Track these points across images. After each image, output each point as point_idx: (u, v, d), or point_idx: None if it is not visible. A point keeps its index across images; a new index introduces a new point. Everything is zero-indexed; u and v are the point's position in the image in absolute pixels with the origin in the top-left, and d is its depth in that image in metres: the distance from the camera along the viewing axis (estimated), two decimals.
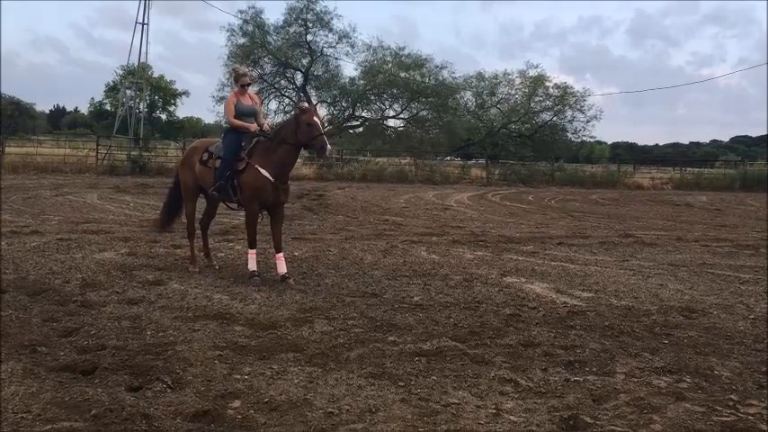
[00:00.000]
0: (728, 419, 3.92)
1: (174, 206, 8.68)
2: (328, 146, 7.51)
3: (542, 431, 3.69)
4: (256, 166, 7.47)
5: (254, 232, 7.70)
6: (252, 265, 7.57)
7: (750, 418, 3.98)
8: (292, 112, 8.48)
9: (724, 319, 6.48)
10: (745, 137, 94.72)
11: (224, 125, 7.99)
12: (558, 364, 4.89)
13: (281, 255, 7.65)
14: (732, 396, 4.35)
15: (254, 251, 7.67)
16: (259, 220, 7.76)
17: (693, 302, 7.13)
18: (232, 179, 7.59)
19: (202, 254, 8.45)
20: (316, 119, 7.50)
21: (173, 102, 62.27)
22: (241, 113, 7.78)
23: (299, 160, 33.04)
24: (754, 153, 68.88)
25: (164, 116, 63.19)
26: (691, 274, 8.93)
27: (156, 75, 57.44)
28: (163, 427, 3.56)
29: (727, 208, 22.67)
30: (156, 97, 60.04)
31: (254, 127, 7.71)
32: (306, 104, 7.87)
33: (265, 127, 7.98)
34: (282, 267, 7.55)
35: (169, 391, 4.10)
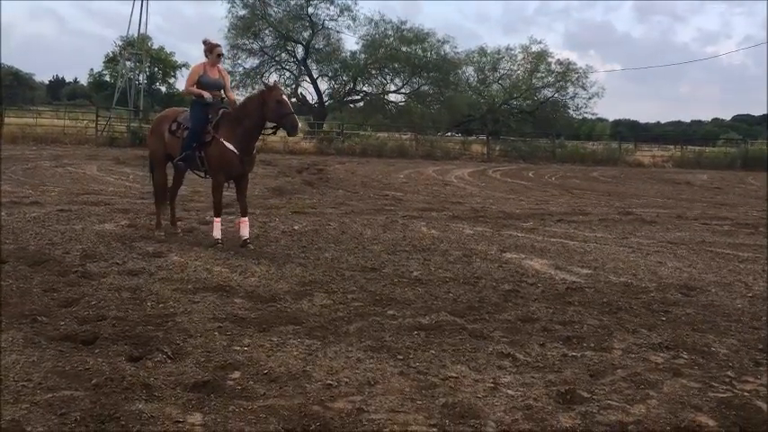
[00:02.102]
0: (724, 396, 3.95)
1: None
2: (299, 124, 7.68)
3: (539, 405, 3.72)
4: (221, 139, 7.64)
5: (219, 201, 7.93)
6: (217, 233, 7.81)
7: (746, 394, 4.02)
8: (258, 88, 8.58)
9: (722, 296, 6.50)
10: (747, 115, 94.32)
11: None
12: (556, 339, 4.92)
13: (246, 219, 7.92)
14: (728, 373, 4.38)
15: (219, 219, 7.90)
16: (225, 189, 8.01)
17: (692, 280, 7.15)
18: (199, 150, 7.78)
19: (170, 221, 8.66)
20: (284, 96, 7.61)
21: (172, 74, 61.81)
22: (206, 85, 7.87)
23: (300, 134, 32.70)
24: (756, 132, 68.61)
25: (163, 88, 62.79)
26: (690, 251, 8.95)
27: (155, 46, 56.98)
28: (163, 397, 3.59)
29: (728, 186, 22.66)
30: (156, 69, 59.60)
31: (207, 95, 7.78)
32: (273, 81, 8.05)
33: (233, 99, 8.16)
34: (245, 231, 7.82)
35: (169, 361, 4.13)
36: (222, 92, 8.08)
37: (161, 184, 8.44)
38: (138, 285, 5.86)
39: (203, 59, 8.11)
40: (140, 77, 42.01)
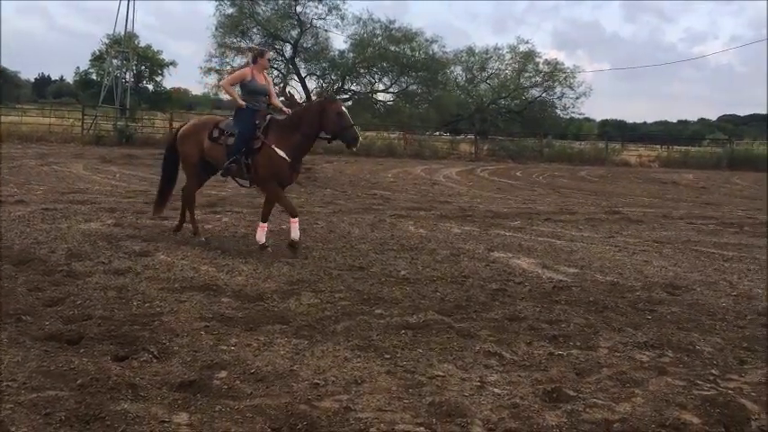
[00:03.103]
0: (709, 393, 3.99)
1: (169, 185, 8.61)
2: (360, 137, 7.60)
3: (526, 403, 3.74)
4: (273, 146, 7.45)
5: (269, 210, 7.89)
6: (261, 238, 7.67)
7: (730, 392, 4.05)
8: (316, 99, 8.45)
9: (707, 295, 6.56)
10: (733, 115, 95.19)
11: (223, 97, 8.07)
12: (542, 338, 4.94)
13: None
14: (713, 371, 4.42)
15: (266, 225, 7.81)
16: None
17: (677, 279, 7.20)
18: (246, 157, 7.58)
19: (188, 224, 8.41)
20: (344, 108, 7.57)
21: (160, 72, 61.50)
22: (254, 91, 7.75)
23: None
24: (742, 132, 69.21)
25: (150, 86, 62.42)
26: (675, 251, 9.01)
27: (142, 44, 56.65)
28: (149, 397, 3.57)
29: (713, 186, 22.82)
30: (143, 67, 59.26)
31: (241, 104, 7.68)
32: (331, 93, 7.96)
33: (279, 106, 8.02)
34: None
35: (155, 361, 4.11)
36: (267, 98, 7.97)
37: (192, 190, 8.29)
38: (125, 284, 5.83)
39: (250, 65, 8.01)
40: (127, 76, 41.73)
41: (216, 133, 7.87)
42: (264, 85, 7.89)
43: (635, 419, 3.59)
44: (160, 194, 8.63)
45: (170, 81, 73.84)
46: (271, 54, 8.35)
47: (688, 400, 3.88)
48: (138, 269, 6.42)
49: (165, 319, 4.94)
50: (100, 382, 3.67)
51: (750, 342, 5.09)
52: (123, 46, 39.82)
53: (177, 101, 63.18)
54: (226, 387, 3.77)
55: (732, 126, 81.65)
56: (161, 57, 60.69)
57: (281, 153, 7.44)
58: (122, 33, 39.21)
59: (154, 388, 3.70)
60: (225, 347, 4.41)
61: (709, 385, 4.15)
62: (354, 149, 7.84)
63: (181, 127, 8.59)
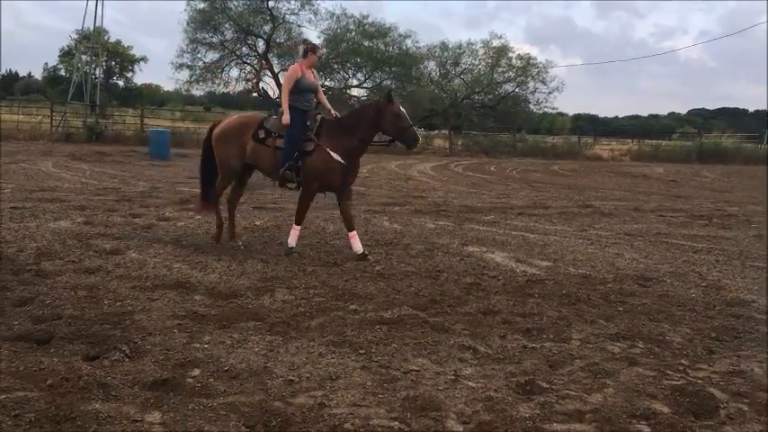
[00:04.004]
0: (678, 383, 4.05)
1: (209, 188, 7.98)
2: (419, 138, 7.31)
3: (499, 396, 3.77)
4: (327, 148, 7.14)
5: (305, 211, 7.55)
6: (292, 241, 7.40)
7: (699, 381, 4.12)
8: (373, 99, 7.95)
9: (677, 286, 6.66)
10: (703, 109, 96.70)
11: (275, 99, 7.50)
12: (516, 331, 4.98)
13: (355, 233, 7.43)
14: (683, 361, 4.49)
15: (299, 228, 7.53)
16: (315, 202, 7.67)
17: (648, 271, 7.31)
18: (296, 160, 7.20)
19: (221, 226, 7.97)
20: (402, 109, 7.31)
21: (130, 68, 60.79)
22: (305, 89, 7.33)
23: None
24: (711, 125, 70.31)
25: (121, 83, 61.68)
26: (646, 243, 9.14)
27: (112, 40, 55.88)
28: (120, 396, 3.53)
29: (683, 179, 23.17)
30: (113, 63, 58.51)
31: (286, 119, 7.12)
32: (389, 92, 7.55)
33: (327, 105, 7.73)
34: (358, 245, 7.36)
35: (127, 360, 4.07)
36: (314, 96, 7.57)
37: (223, 190, 7.88)
38: (95, 283, 5.75)
39: (299, 61, 7.50)
40: (97, 72, 41.15)
41: (262, 134, 7.38)
42: (314, 82, 7.50)
43: (606, 410, 3.63)
44: (202, 197, 8.07)
45: (141, 77, 73.03)
46: (323, 51, 7.88)
47: (658, 390, 3.94)
48: (108, 268, 6.34)
49: (136, 317, 4.89)
50: (70, 383, 3.62)
51: (719, 332, 5.18)
52: (92, 41, 39.24)
53: (148, 97, 62.45)
54: (199, 385, 3.74)
55: (701, 120, 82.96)
56: (131, 52, 59.99)
57: (336, 156, 7.12)
58: (91, 29, 38.64)
59: (126, 387, 3.66)
60: (198, 345, 4.38)
61: (678, 375, 4.21)
62: (414, 150, 7.65)
63: (216, 125, 7.99)
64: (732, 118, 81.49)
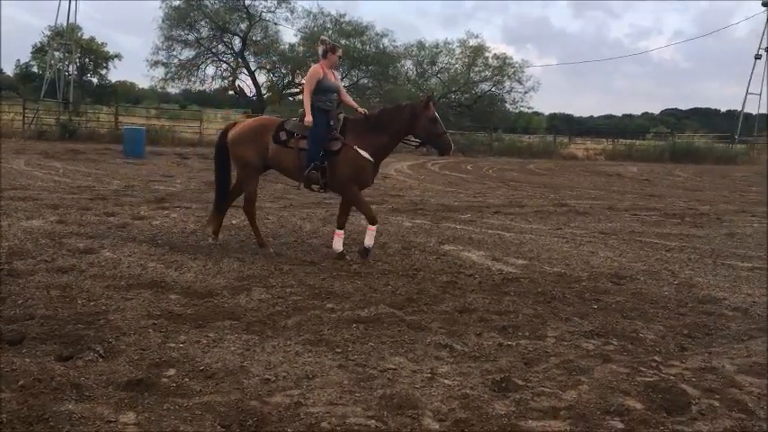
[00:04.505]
0: (651, 379, 4.11)
1: (224, 194, 7.82)
2: (453, 145, 7.29)
3: (475, 393, 3.79)
4: (355, 147, 7.04)
5: (369, 207, 7.41)
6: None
7: (671, 377, 4.18)
8: (408, 102, 7.57)
9: (650, 284, 6.75)
10: (675, 109, 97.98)
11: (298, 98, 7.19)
12: (492, 329, 5.01)
13: (342, 232, 7.44)
14: (655, 357, 4.55)
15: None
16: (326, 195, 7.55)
17: (622, 269, 7.39)
18: (321, 161, 7.07)
19: (209, 228, 7.88)
20: (437, 114, 7.18)
21: (104, 65, 59.94)
22: (327, 89, 7.21)
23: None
24: (683, 125, 71.28)
25: (95, 80, 60.82)
26: (620, 241, 9.24)
27: (86, 36, 55.12)
28: (94, 397, 3.50)
29: (656, 178, 23.46)
30: (87, 60, 57.70)
31: (309, 119, 7.01)
32: (427, 96, 7.33)
33: (353, 104, 7.55)
34: (339, 245, 7.33)
35: (101, 360, 4.02)
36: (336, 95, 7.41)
37: (254, 196, 7.62)
38: (68, 283, 5.68)
39: (320, 61, 7.33)
40: (70, 68, 40.58)
41: (283, 136, 7.22)
42: (335, 83, 7.38)
43: (581, 406, 3.68)
44: (216, 206, 7.84)
45: (115, 74, 72.12)
46: (341, 51, 7.63)
47: (632, 387, 3.99)
48: (82, 267, 6.26)
49: (110, 317, 4.84)
50: (43, 383, 3.57)
51: (691, 329, 5.26)
52: (66, 38, 38.69)
53: (123, 94, 61.72)
54: (174, 385, 3.72)
55: (674, 120, 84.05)
56: (105, 49, 59.18)
57: (365, 154, 7.05)
58: (65, 25, 38.10)
59: (99, 388, 3.62)
60: (173, 345, 4.35)
61: (651, 372, 4.27)
62: (445, 156, 7.56)
63: (229, 128, 7.78)
64: (704, 118, 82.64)
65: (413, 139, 7.39)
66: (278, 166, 7.45)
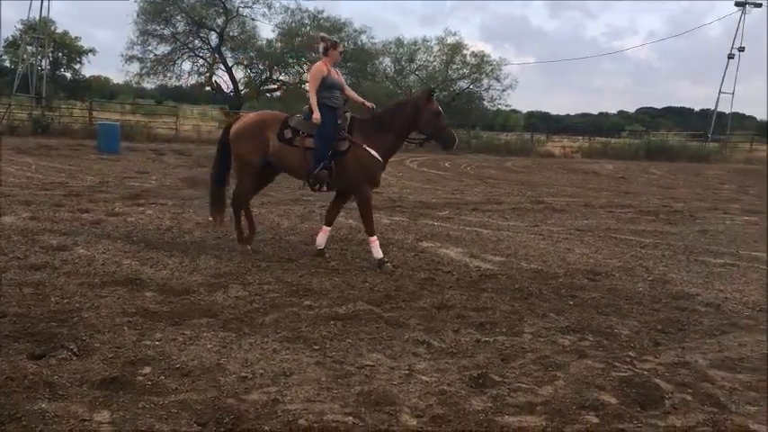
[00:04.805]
0: (626, 374, 4.16)
1: (220, 187, 7.61)
2: (457, 138, 7.18)
3: (453, 390, 3.80)
4: (364, 146, 6.90)
5: (372, 218, 7.16)
6: (378, 253, 6.95)
7: (645, 372, 4.24)
8: (409, 95, 7.33)
9: (625, 280, 6.83)
10: (651, 108, 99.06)
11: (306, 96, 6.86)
12: (469, 325, 5.03)
13: (329, 229, 7.40)
14: (630, 353, 4.60)
15: (375, 238, 7.07)
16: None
17: (597, 265, 7.47)
18: (330, 159, 6.91)
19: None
20: (440, 108, 7.10)
21: (78, 60, 59.10)
22: (332, 86, 7.01)
23: (214, 123, 31.71)
24: (658, 124, 72.08)
25: (68, 74, 59.94)
26: (596, 238, 9.33)
27: (59, 31, 54.31)
28: (68, 395, 3.45)
29: (632, 176, 23.70)
30: (60, 54, 56.86)
31: (317, 117, 6.80)
32: (429, 89, 7.10)
33: (359, 100, 7.38)
34: (322, 240, 7.30)
35: (75, 358, 3.97)
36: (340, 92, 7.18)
37: (245, 193, 7.43)
38: (42, 280, 5.60)
39: (322, 58, 7.14)
40: (43, 63, 39.97)
41: (288, 134, 7.02)
42: (339, 79, 7.18)
43: (557, 401, 3.71)
44: (213, 201, 7.65)
45: (89, 69, 71.16)
46: (342, 47, 7.36)
47: (606, 382, 4.03)
48: (55, 264, 6.18)
49: (84, 315, 4.78)
50: (15, 382, 3.52)
51: (664, 325, 5.33)
52: (38, 32, 38.10)
53: (97, 89, 60.93)
54: (150, 383, 3.68)
55: (649, 118, 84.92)
56: (79, 44, 58.34)
57: (375, 153, 6.91)
58: (37, 19, 37.51)
59: (73, 386, 3.58)
60: (149, 343, 4.31)
61: (626, 367, 4.32)
62: (448, 151, 7.49)
63: (233, 123, 7.60)
64: (678, 117, 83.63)
65: (417, 136, 7.33)
66: (281, 165, 7.24)
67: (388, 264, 6.85)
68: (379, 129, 7.01)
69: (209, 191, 7.76)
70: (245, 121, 7.40)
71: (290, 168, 7.24)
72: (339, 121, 6.97)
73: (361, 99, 7.41)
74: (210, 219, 7.83)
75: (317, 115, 6.83)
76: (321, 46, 7.25)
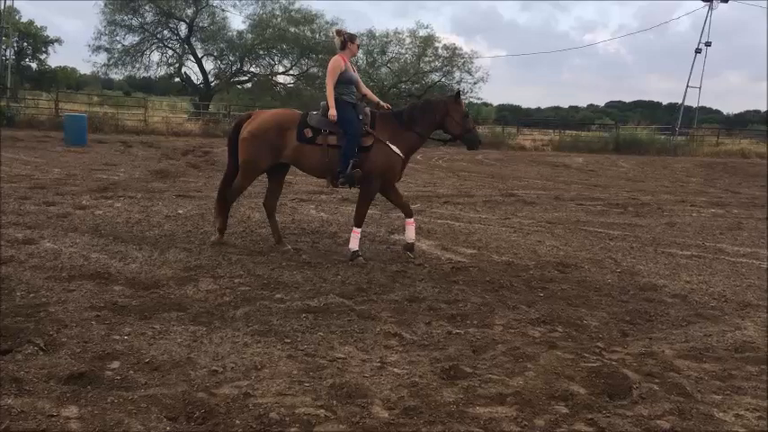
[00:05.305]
0: (594, 365, 4.22)
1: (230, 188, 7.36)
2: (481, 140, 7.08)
3: (424, 381, 3.82)
4: (387, 142, 6.82)
5: (366, 211, 7.14)
6: (355, 245, 6.93)
7: (614, 363, 4.30)
8: (438, 96, 7.12)
9: (594, 272, 6.91)
10: (620, 102, 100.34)
11: (327, 90, 6.72)
12: (441, 317, 5.06)
13: (412, 221, 7.23)
14: (599, 344, 4.67)
15: (360, 230, 7.06)
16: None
17: (567, 258, 7.55)
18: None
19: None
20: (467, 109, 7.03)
21: (44, 50, 57.91)
22: (349, 82, 6.92)
23: (183, 115, 31.30)
24: (627, 117, 72.94)
25: (34, 65, 58.71)
26: (566, 231, 9.43)
27: (24, 20, 53.14)
28: (35, 391, 3.40)
29: (601, 169, 23.97)
30: (25, 44, 55.65)
31: (333, 114, 6.69)
32: (458, 91, 7.04)
33: (375, 99, 7.31)
34: (411, 234, 7.19)
35: (41, 353, 3.91)
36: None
37: (241, 191, 7.34)
38: (7, 274, 5.50)
39: (339, 52, 7.04)
40: (7, 53, 39.06)
41: (309, 133, 6.82)
42: (355, 74, 7.09)
43: (527, 392, 3.74)
44: (219, 200, 7.40)
45: (55, 59, 69.85)
46: (359, 40, 7.15)
47: (576, 372, 4.08)
48: (21, 258, 6.06)
49: (51, 309, 4.70)
50: None
51: (632, 316, 5.41)
52: (2, 21, 37.24)
53: (64, 80, 59.80)
54: (118, 378, 3.64)
55: (618, 111, 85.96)
56: (45, 33, 57.16)
57: (397, 150, 6.86)
58: (1, 8, 36.65)
59: (40, 382, 3.52)
60: (118, 337, 4.25)
61: (595, 357, 4.38)
62: (472, 151, 7.45)
63: (243, 120, 7.29)
64: (647, 110, 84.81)
65: (441, 134, 7.30)
66: (301, 165, 7.06)
67: (361, 257, 6.83)
68: (403, 126, 6.96)
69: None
70: (261, 123, 7.08)
71: (311, 167, 7.05)
72: (361, 117, 6.86)
73: (377, 98, 7.37)
74: (213, 220, 7.61)
75: (333, 111, 6.71)
76: (338, 40, 7.12)
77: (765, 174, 22.63)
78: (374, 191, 7.07)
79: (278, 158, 6.99)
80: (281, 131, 6.92)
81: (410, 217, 7.21)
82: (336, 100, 6.78)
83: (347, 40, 7.06)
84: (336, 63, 6.88)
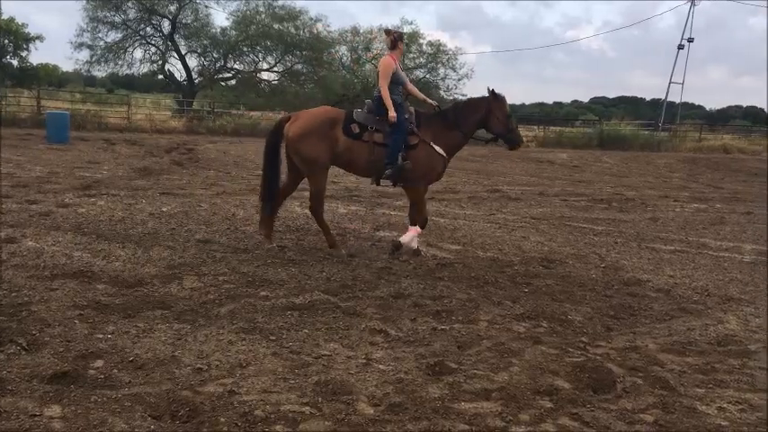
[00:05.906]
0: (579, 360, 4.24)
1: (273, 192, 7.13)
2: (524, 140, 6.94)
3: (410, 378, 3.83)
4: (430, 142, 6.85)
5: (425, 211, 7.21)
6: (414, 243, 7.04)
7: (598, 357, 4.33)
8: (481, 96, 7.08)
9: (578, 268, 6.96)
10: (603, 98, 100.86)
11: (374, 92, 6.73)
12: (426, 314, 5.07)
13: (417, 228, 7.16)
14: (583, 339, 4.70)
15: (417, 228, 7.10)
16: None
17: (552, 253, 7.59)
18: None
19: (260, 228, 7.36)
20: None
21: (25, 47, 57.28)
22: (399, 81, 6.93)
23: (167, 112, 31.13)
24: (610, 113, 73.37)
25: (15, 62, 58.06)
26: (551, 226, 9.48)
27: (4, 17, 52.51)
28: (17, 391, 3.36)
29: (585, 165, 24.11)
30: (6, 41, 55.02)
31: (392, 114, 6.67)
32: (492, 89, 7.03)
33: (421, 96, 7.30)
34: (408, 238, 7.10)
35: (24, 353, 3.87)
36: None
37: (323, 191, 7.12)
38: None
39: (389, 52, 7.06)
40: None
41: (356, 129, 6.79)
42: (403, 74, 7.07)
43: (512, 387, 3.76)
44: (264, 207, 7.18)
45: (37, 56, 69.17)
46: (405, 38, 7.11)
47: (560, 367, 4.11)
48: (3, 257, 6.00)
49: (34, 308, 4.66)
50: None
51: (617, 310, 5.46)
52: None
53: (46, 77, 59.18)
54: (102, 377, 3.61)
55: (602, 107, 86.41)
56: (26, 30, 56.53)
57: (440, 150, 6.87)
58: None
59: (23, 381, 3.49)
60: (101, 336, 4.22)
61: (579, 352, 4.41)
62: (512, 150, 7.40)
63: (283, 123, 7.05)
64: (630, 106, 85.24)
65: (484, 134, 7.29)
66: (347, 162, 6.99)
67: (403, 251, 6.92)
68: (446, 125, 6.98)
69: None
70: (309, 119, 6.93)
71: (356, 164, 7.00)
72: (406, 116, 6.86)
73: (422, 96, 7.36)
74: (260, 233, 7.37)
75: (392, 113, 6.69)
76: (388, 40, 7.13)
77: (747, 169, 22.85)
78: (423, 191, 7.17)
79: (333, 152, 6.85)
80: (332, 124, 6.86)
81: (415, 225, 7.17)
82: (381, 99, 6.78)
83: (397, 39, 7.11)
84: (389, 63, 6.89)
